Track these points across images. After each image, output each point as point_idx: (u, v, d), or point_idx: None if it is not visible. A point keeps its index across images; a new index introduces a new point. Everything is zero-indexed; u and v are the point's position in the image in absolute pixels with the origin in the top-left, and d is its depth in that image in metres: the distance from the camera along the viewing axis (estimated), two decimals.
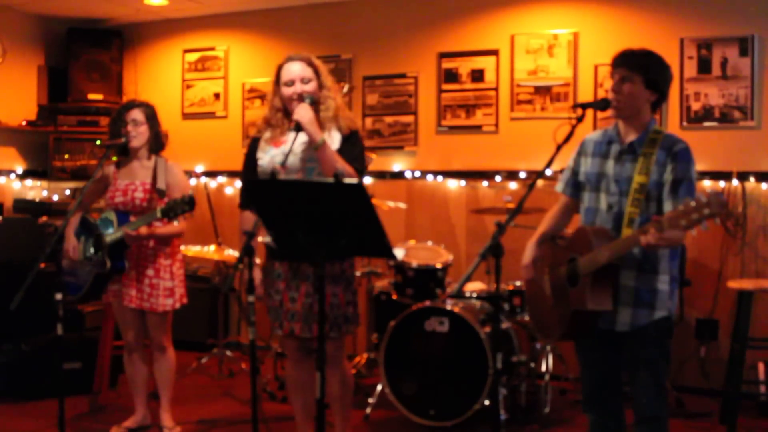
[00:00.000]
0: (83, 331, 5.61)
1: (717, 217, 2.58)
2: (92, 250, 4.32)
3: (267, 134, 3.74)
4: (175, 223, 4.23)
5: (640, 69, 3.08)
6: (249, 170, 3.74)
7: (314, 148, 3.53)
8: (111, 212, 4.31)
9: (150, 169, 4.36)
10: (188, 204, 3.99)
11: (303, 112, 3.50)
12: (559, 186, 3.44)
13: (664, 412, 3.14)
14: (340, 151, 3.60)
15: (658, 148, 3.04)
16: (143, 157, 4.41)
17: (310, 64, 3.66)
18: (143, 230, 4.17)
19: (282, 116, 3.69)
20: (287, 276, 3.70)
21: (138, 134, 4.34)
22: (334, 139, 3.63)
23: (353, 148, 3.65)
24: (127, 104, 4.43)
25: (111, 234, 4.21)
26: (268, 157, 3.67)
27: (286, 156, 3.46)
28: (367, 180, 5.98)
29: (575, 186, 3.35)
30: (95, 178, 4.30)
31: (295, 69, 3.62)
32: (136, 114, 4.35)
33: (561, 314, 3.18)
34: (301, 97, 3.59)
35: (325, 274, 3.11)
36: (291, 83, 3.61)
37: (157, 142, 4.41)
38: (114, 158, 4.48)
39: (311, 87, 3.63)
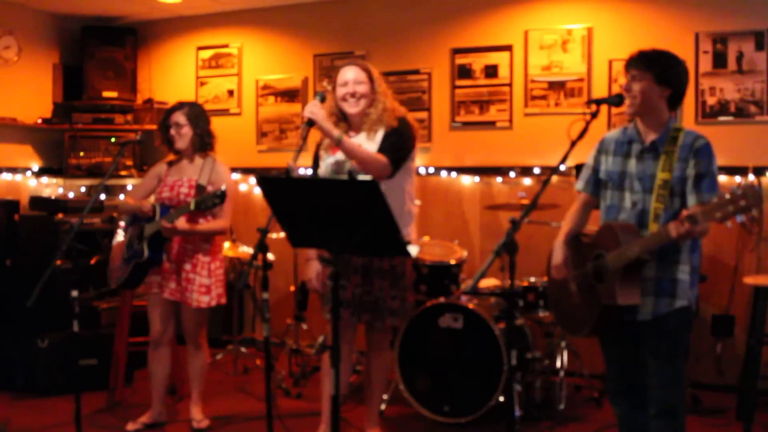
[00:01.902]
0: (99, 328, 5.63)
1: (754, 209, 2.60)
2: (136, 241, 4.36)
3: (326, 141, 3.92)
4: (217, 220, 4.36)
5: (649, 66, 3.12)
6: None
7: (335, 144, 3.64)
8: (157, 205, 4.38)
9: (198, 167, 4.46)
10: (219, 197, 4.09)
11: (310, 108, 3.63)
12: (579, 185, 3.45)
13: (681, 405, 3.15)
14: (381, 146, 3.78)
15: (680, 145, 3.07)
16: (191, 155, 4.51)
17: (364, 69, 3.90)
18: (184, 225, 4.21)
19: (337, 120, 3.88)
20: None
21: (182, 136, 4.45)
22: (377, 139, 3.80)
23: (387, 140, 3.81)
24: (171, 108, 4.55)
25: (151, 225, 4.27)
26: (325, 165, 3.89)
27: (300, 148, 3.54)
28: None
29: (596, 184, 3.37)
30: (111, 174, 4.35)
31: (350, 73, 3.86)
32: (178, 117, 4.46)
33: (589, 310, 3.20)
34: (352, 95, 3.81)
35: (339, 268, 3.15)
36: (345, 84, 3.85)
37: (201, 142, 4.50)
38: (170, 158, 4.62)
39: (363, 89, 3.84)
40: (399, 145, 3.82)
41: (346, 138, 3.70)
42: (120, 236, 4.59)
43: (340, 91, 3.85)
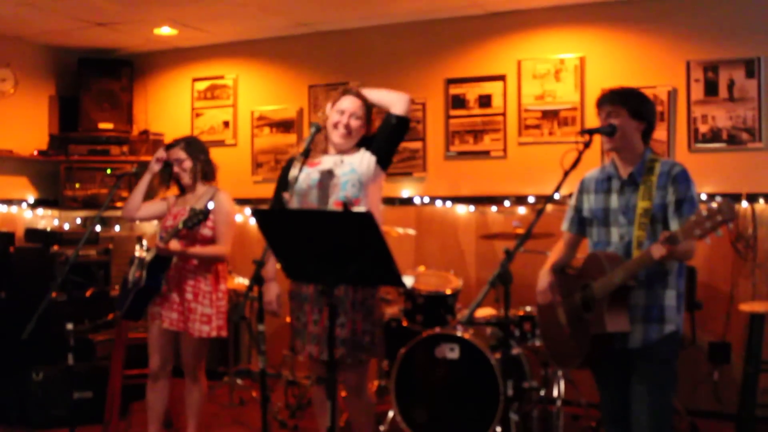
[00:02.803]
0: (94, 361, 5.61)
1: (730, 222, 2.69)
2: (140, 269, 4.36)
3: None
4: (215, 245, 4.36)
5: (622, 102, 3.22)
6: (280, 188, 3.87)
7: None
8: (159, 236, 4.39)
9: (199, 196, 4.47)
10: (203, 213, 4.11)
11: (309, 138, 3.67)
12: (564, 225, 3.54)
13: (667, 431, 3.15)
14: (372, 140, 3.81)
15: (657, 174, 3.16)
16: (195, 187, 4.53)
17: (365, 104, 3.84)
18: (175, 246, 4.20)
19: (323, 138, 3.83)
20: (313, 299, 3.73)
21: (184, 171, 4.48)
22: (364, 157, 3.77)
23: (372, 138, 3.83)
24: (168, 145, 4.58)
25: (150, 253, 4.28)
26: (304, 174, 3.74)
27: (296, 180, 3.55)
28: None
29: (580, 223, 3.46)
30: (107, 206, 4.35)
31: (350, 103, 3.80)
32: (177, 152, 4.49)
33: (579, 342, 3.23)
34: (345, 127, 3.76)
35: (336, 301, 3.14)
36: (342, 112, 3.77)
37: (204, 171, 4.52)
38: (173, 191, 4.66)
39: (357, 124, 3.79)
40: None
41: (366, 90, 3.80)
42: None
43: (334, 117, 3.76)
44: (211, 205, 4.18)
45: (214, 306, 4.38)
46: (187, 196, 4.53)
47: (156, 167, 4.52)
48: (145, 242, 4.53)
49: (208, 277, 4.39)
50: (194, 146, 4.53)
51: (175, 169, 4.48)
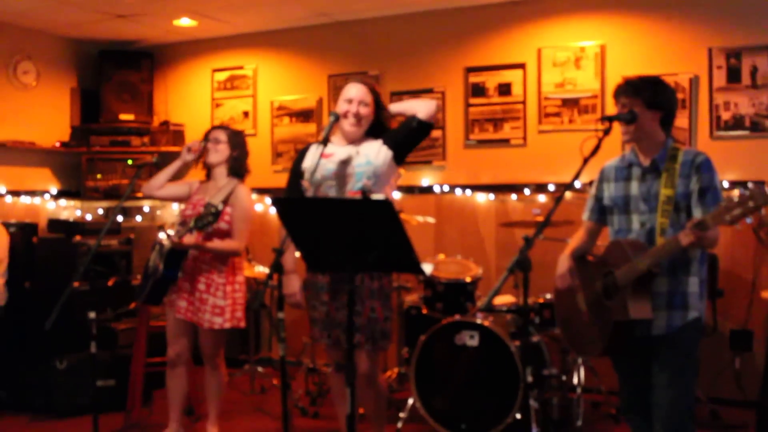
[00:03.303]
0: (116, 349, 5.66)
1: (762, 208, 2.66)
2: (160, 257, 4.39)
3: (314, 150, 3.84)
4: (229, 240, 4.37)
5: (637, 93, 3.20)
6: (293, 177, 3.89)
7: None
8: (177, 224, 4.43)
9: (220, 190, 4.46)
10: (212, 215, 4.10)
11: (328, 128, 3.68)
12: (585, 214, 3.53)
13: (690, 424, 3.13)
14: (390, 135, 3.79)
15: (681, 162, 3.15)
16: (221, 177, 4.53)
17: (371, 90, 3.82)
18: (189, 240, 4.22)
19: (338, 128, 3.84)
20: (330, 287, 3.76)
21: (217, 151, 4.49)
22: (381, 151, 3.75)
23: (394, 135, 3.81)
24: (215, 126, 4.66)
25: (167, 243, 4.29)
26: (325, 169, 3.76)
27: (316, 167, 3.57)
28: (396, 195, 5.98)
29: (601, 212, 3.45)
30: (128, 196, 4.37)
31: (356, 90, 3.79)
32: (219, 133, 4.53)
33: (601, 329, 3.22)
34: (351, 115, 3.75)
35: (355, 289, 3.15)
36: (349, 101, 3.77)
37: (236, 165, 4.53)
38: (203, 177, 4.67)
39: (366, 111, 3.78)
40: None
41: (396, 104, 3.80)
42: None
43: (342, 107, 3.77)
44: (221, 206, 4.17)
45: (229, 297, 4.39)
46: (209, 185, 4.54)
47: (188, 157, 4.54)
48: (169, 231, 4.55)
49: (222, 269, 4.40)
50: (238, 138, 4.58)
51: (209, 145, 4.50)
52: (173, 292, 4.42)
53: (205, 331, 4.40)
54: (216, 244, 4.35)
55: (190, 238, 4.22)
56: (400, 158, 3.80)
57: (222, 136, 4.51)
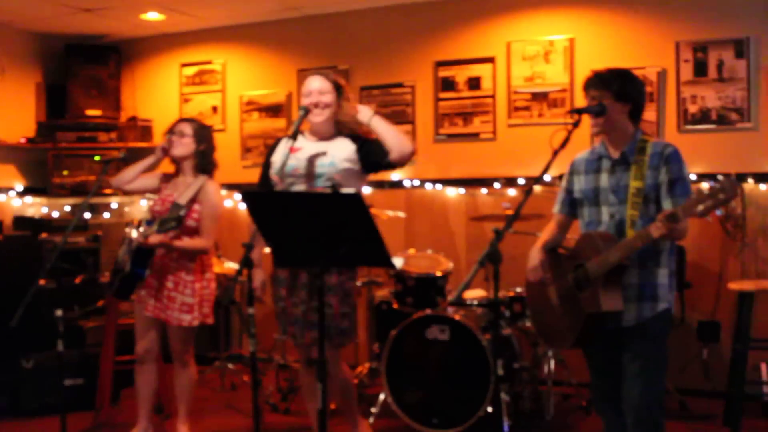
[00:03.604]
0: (85, 347, 5.60)
1: (733, 200, 2.72)
2: (128, 252, 4.34)
3: (284, 144, 3.81)
4: (197, 239, 4.32)
5: (606, 85, 3.22)
6: (265, 171, 3.90)
7: (368, 120, 3.71)
8: (144, 220, 4.36)
9: (188, 186, 4.40)
10: (175, 220, 4.07)
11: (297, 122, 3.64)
12: (555, 207, 3.55)
13: (660, 414, 3.16)
14: (364, 152, 3.74)
15: (649, 154, 3.17)
16: (188, 173, 4.46)
17: (329, 79, 3.83)
18: (155, 240, 4.18)
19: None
20: (288, 282, 3.76)
21: (181, 145, 4.41)
22: (345, 146, 3.74)
23: (371, 147, 3.74)
24: (181, 118, 4.58)
25: (136, 240, 4.25)
26: (291, 162, 3.76)
27: (285, 160, 3.56)
28: (366, 189, 5.97)
29: (571, 204, 3.47)
30: (95, 192, 4.32)
31: (315, 83, 3.81)
32: (184, 126, 4.45)
33: (572, 321, 3.24)
34: (316, 105, 3.75)
35: (323, 284, 3.13)
36: (309, 94, 3.79)
37: (202, 161, 4.46)
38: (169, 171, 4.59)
39: (327, 98, 3.78)
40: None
41: (378, 117, 3.71)
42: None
43: (305, 101, 3.78)
44: (184, 212, 4.14)
45: (197, 295, 4.35)
46: (178, 180, 4.48)
47: (161, 154, 4.47)
48: (138, 227, 4.48)
49: (190, 267, 4.35)
50: (204, 133, 4.50)
51: (174, 138, 4.42)
52: (142, 289, 4.38)
53: (173, 329, 4.36)
54: (184, 242, 4.30)
55: (156, 238, 4.17)
56: (368, 172, 3.82)
57: (187, 129, 4.44)
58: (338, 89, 3.82)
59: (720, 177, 2.74)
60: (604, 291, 3.09)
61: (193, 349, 4.53)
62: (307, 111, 3.74)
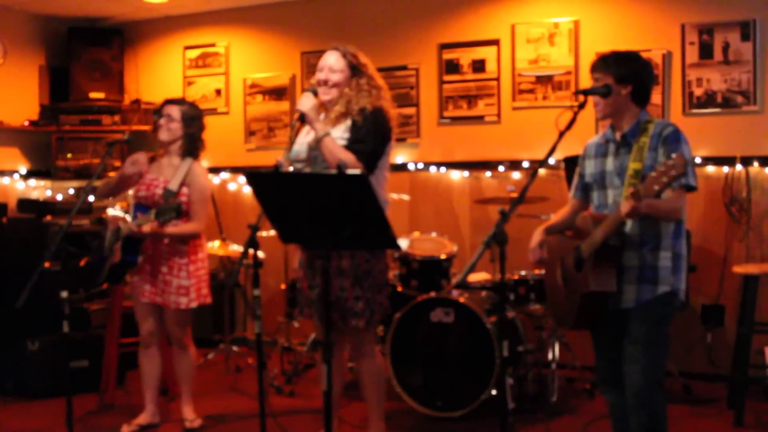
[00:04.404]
0: (90, 329, 5.61)
1: (682, 177, 2.80)
2: (115, 240, 4.32)
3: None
4: (188, 224, 4.31)
5: (607, 68, 3.24)
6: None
7: (317, 140, 3.58)
8: (132, 206, 4.34)
9: (175, 168, 4.37)
10: (175, 211, 4.05)
11: (303, 101, 3.58)
12: (570, 192, 3.57)
13: (660, 395, 3.17)
14: (348, 140, 3.63)
15: (650, 136, 3.17)
16: (174, 155, 4.41)
17: (345, 56, 3.75)
18: (147, 228, 4.17)
19: (318, 105, 3.74)
20: (305, 264, 3.78)
21: (169, 129, 4.36)
22: (346, 125, 3.67)
23: (359, 130, 3.64)
24: (169, 99, 4.48)
25: (126, 226, 4.23)
26: (300, 143, 3.75)
27: (291, 145, 3.52)
28: None
29: (584, 189, 3.48)
30: (99, 175, 4.31)
31: (330, 58, 3.74)
32: (173, 110, 4.38)
33: (572, 301, 3.25)
34: (324, 83, 3.69)
35: (330, 266, 3.13)
36: (321, 69, 3.73)
37: (190, 145, 4.42)
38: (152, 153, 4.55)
39: (337, 77, 3.71)
40: (369, 137, 3.64)
41: (329, 138, 3.58)
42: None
43: (317, 75, 3.74)
44: (182, 202, 4.14)
45: (193, 277, 4.35)
46: (163, 163, 4.43)
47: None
48: (121, 213, 4.44)
49: (184, 250, 4.35)
50: (192, 115, 4.43)
51: (161, 121, 4.36)
52: (135, 275, 4.37)
53: (171, 312, 4.36)
54: (176, 228, 4.27)
55: (147, 226, 4.16)
56: None
57: (176, 113, 4.36)
58: (354, 69, 3.74)
59: (673, 155, 2.79)
60: (594, 271, 3.11)
61: (191, 331, 4.52)
62: (315, 91, 3.69)
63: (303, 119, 3.61)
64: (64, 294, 3.91)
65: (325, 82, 3.71)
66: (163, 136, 4.37)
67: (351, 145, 3.60)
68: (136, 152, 4.53)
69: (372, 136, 3.64)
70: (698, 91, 5.40)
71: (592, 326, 3.36)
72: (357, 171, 3.46)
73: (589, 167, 3.40)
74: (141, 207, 4.31)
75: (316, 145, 3.64)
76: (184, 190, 4.30)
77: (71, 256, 5.72)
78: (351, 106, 3.69)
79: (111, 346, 5.06)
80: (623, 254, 3.15)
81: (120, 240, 4.22)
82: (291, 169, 3.74)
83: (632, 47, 3.55)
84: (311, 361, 5.61)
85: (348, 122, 3.68)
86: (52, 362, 5.26)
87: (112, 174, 6.69)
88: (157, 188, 4.33)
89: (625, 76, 3.20)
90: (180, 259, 4.33)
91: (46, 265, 3.97)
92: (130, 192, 4.54)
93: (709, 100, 5.36)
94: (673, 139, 3.12)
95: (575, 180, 3.53)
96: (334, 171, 3.51)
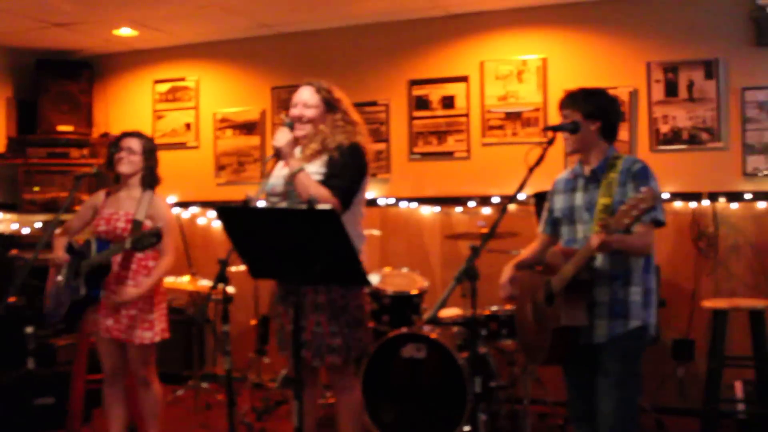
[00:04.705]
0: (55, 366, 5.51)
1: (652, 211, 2.82)
2: (73, 276, 4.24)
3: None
4: (164, 261, 4.24)
5: (575, 104, 3.28)
6: None
7: (291, 175, 3.55)
8: (92, 239, 4.26)
9: (135, 200, 4.30)
10: (155, 236, 3.97)
11: (279, 136, 3.56)
12: (539, 227, 3.59)
13: (631, 427, 3.17)
14: (324, 175, 3.60)
15: (618, 171, 3.20)
16: (133, 188, 4.35)
17: (319, 91, 3.73)
18: (138, 291, 4.14)
19: (292, 140, 3.70)
20: (282, 299, 3.73)
21: (130, 162, 4.30)
22: (322, 160, 3.64)
23: (335, 165, 3.62)
24: (127, 132, 4.42)
25: (87, 262, 4.16)
26: (276, 177, 3.71)
27: (267, 179, 3.50)
28: None
29: (553, 224, 3.50)
30: (67, 208, 4.24)
31: (304, 94, 3.74)
32: (133, 143, 4.33)
33: (543, 336, 3.25)
34: (296, 119, 3.67)
35: (302, 300, 3.11)
36: (295, 105, 3.72)
37: (150, 177, 4.37)
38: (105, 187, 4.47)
39: (311, 113, 3.69)
40: (345, 172, 3.63)
41: (303, 174, 3.55)
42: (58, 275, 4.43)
43: (291, 111, 3.72)
44: (160, 224, 4.07)
45: (157, 310, 4.28)
46: (121, 196, 4.35)
47: (62, 260, 4.32)
48: (83, 248, 4.37)
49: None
50: (152, 150, 4.40)
51: (121, 154, 4.29)
52: (93, 312, 4.28)
53: (134, 348, 4.26)
54: (155, 276, 4.22)
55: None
56: None
57: (136, 145, 4.32)
58: (328, 104, 3.74)
59: (642, 188, 2.83)
60: (565, 306, 3.12)
61: (155, 367, 4.43)
62: (291, 125, 3.67)
63: (278, 155, 3.58)
64: (30, 329, 3.85)
65: (299, 118, 3.68)
66: (125, 168, 4.30)
67: (327, 181, 3.58)
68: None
69: (349, 171, 3.62)
70: (665, 128, 5.48)
71: (563, 361, 3.37)
72: (327, 206, 3.43)
73: (559, 202, 3.42)
74: (101, 242, 4.24)
75: (291, 180, 3.61)
76: (148, 222, 4.23)
77: (37, 291, 5.64)
78: (327, 143, 3.66)
79: (77, 383, 4.96)
80: (594, 289, 3.16)
81: (81, 276, 4.15)
82: (264, 203, 3.71)
83: (600, 84, 3.61)
84: (282, 398, 5.55)
85: (324, 158, 3.66)
86: (16, 399, 5.14)
87: (77, 208, 6.65)
88: (118, 222, 4.25)
89: (593, 112, 3.25)
90: (145, 293, 4.27)
91: (11, 299, 3.90)
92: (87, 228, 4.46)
93: (675, 136, 5.45)
94: (642, 175, 3.15)
95: (544, 215, 3.55)
96: (304, 206, 3.50)
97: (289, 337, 3.69)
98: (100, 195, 4.43)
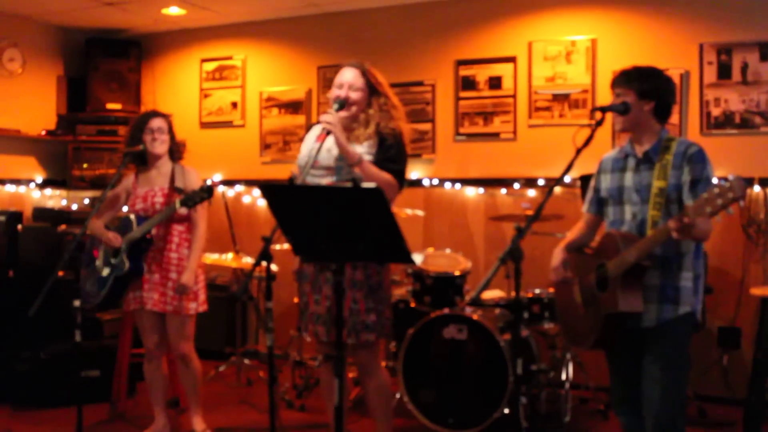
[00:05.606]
0: (102, 339, 5.61)
1: (741, 200, 2.65)
2: (112, 255, 4.33)
3: (315, 129, 3.75)
4: (199, 232, 4.35)
5: (629, 83, 3.21)
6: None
7: (351, 167, 3.54)
8: (131, 215, 4.35)
9: (167, 175, 4.43)
10: (207, 192, 4.11)
11: (329, 117, 3.52)
12: (584, 206, 3.54)
13: (681, 418, 3.12)
14: (375, 158, 3.62)
15: (673, 154, 3.13)
16: (162, 164, 4.47)
17: (364, 74, 3.71)
18: (191, 274, 4.27)
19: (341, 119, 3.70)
20: (312, 278, 3.72)
21: (163, 142, 4.43)
22: (370, 141, 3.65)
23: (389, 150, 3.65)
24: (149, 113, 4.51)
25: (131, 234, 4.25)
26: (306, 149, 3.71)
27: (318, 152, 3.48)
28: None
29: (598, 203, 3.44)
30: (113, 185, 4.33)
31: (348, 74, 3.70)
32: (161, 122, 4.45)
33: (593, 321, 3.21)
34: (345, 100, 3.65)
35: (343, 279, 3.11)
36: (340, 86, 3.68)
37: (178, 151, 4.53)
38: (131, 167, 4.57)
39: (357, 96, 3.67)
40: (400, 163, 3.68)
41: (366, 162, 3.56)
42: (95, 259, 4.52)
43: (334, 92, 3.69)
44: (209, 181, 4.15)
45: (199, 282, 4.41)
46: (151, 174, 4.46)
47: (116, 243, 4.35)
48: (120, 227, 4.43)
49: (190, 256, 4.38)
50: (171, 124, 4.54)
51: (153, 135, 4.38)
52: (137, 288, 4.36)
53: (175, 320, 4.34)
54: (196, 254, 4.33)
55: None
56: None
57: (164, 125, 4.45)
58: (371, 87, 3.69)
59: (730, 176, 2.68)
60: (623, 291, 3.06)
61: (193, 342, 4.48)
62: (342, 105, 3.63)
63: (329, 133, 3.55)
64: (77, 303, 3.91)
65: (346, 99, 3.67)
66: (160, 149, 4.44)
67: (385, 165, 3.61)
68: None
69: (404, 156, 3.71)
70: (716, 111, 5.36)
71: (609, 346, 3.32)
72: (371, 184, 3.42)
73: (605, 182, 3.36)
74: (140, 218, 4.34)
75: (341, 157, 3.59)
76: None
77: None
78: (380, 128, 3.66)
79: (122, 356, 5.06)
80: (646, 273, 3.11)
81: (124, 252, 4.24)
82: (307, 177, 3.67)
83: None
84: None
85: (372, 140, 3.65)
86: (63, 371, 5.25)
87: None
88: (155, 197, 4.37)
89: (647, 91, 3.18)
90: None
91: (60, 274, 3.97)
92: (125, 209, 4.55)
93: (727, 120, 5.33)
94: (699, 159, 3.09)
95: (589, 194, 3.48)
96: (348, 184, 3.49)
97: (311, 316, 3.72)
98: (130, 178, 4.55)
